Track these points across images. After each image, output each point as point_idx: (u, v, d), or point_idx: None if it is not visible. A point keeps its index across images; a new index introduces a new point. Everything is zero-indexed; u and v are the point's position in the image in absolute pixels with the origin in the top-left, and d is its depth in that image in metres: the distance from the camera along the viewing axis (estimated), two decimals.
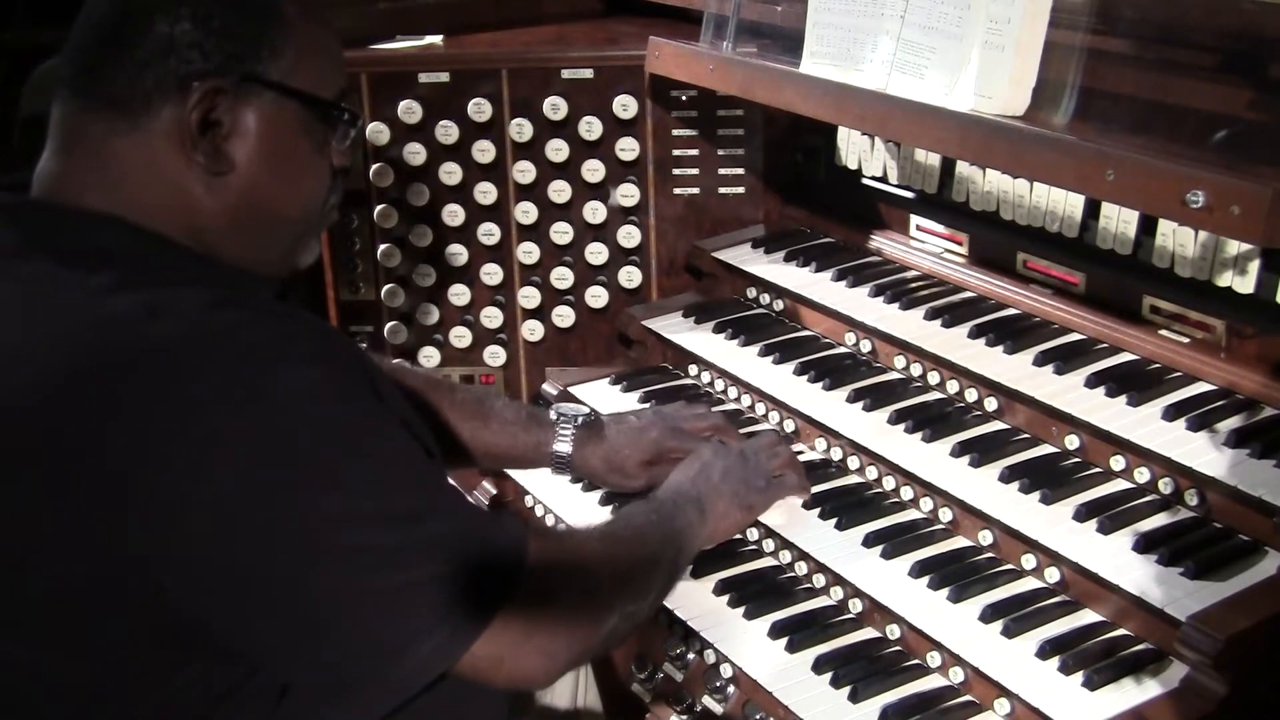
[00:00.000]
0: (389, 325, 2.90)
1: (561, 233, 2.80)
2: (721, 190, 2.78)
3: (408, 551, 1.49)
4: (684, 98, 2.72)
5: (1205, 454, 1.83)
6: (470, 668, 1.53)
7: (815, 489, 2.14)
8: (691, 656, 1.99)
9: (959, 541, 2.00)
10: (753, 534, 2.13)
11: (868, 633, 1.95)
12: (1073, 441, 2.00)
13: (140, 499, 1.42)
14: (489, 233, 2.82)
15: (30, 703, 1.54)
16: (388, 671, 1.50)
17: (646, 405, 2.41)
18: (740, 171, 2.76)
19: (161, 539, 1.43)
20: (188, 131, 1.56)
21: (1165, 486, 1.88)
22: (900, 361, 2.29)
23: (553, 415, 2.22)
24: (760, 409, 2.38)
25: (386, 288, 2.87)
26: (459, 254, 2.84)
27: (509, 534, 1.61)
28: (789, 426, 2.32)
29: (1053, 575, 1.87)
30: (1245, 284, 1.93)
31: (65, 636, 1.49)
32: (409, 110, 2.76)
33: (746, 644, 1.94)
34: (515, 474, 2.39)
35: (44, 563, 1.47)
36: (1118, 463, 1.93)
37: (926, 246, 2.50)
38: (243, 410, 1.42)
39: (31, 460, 1.45)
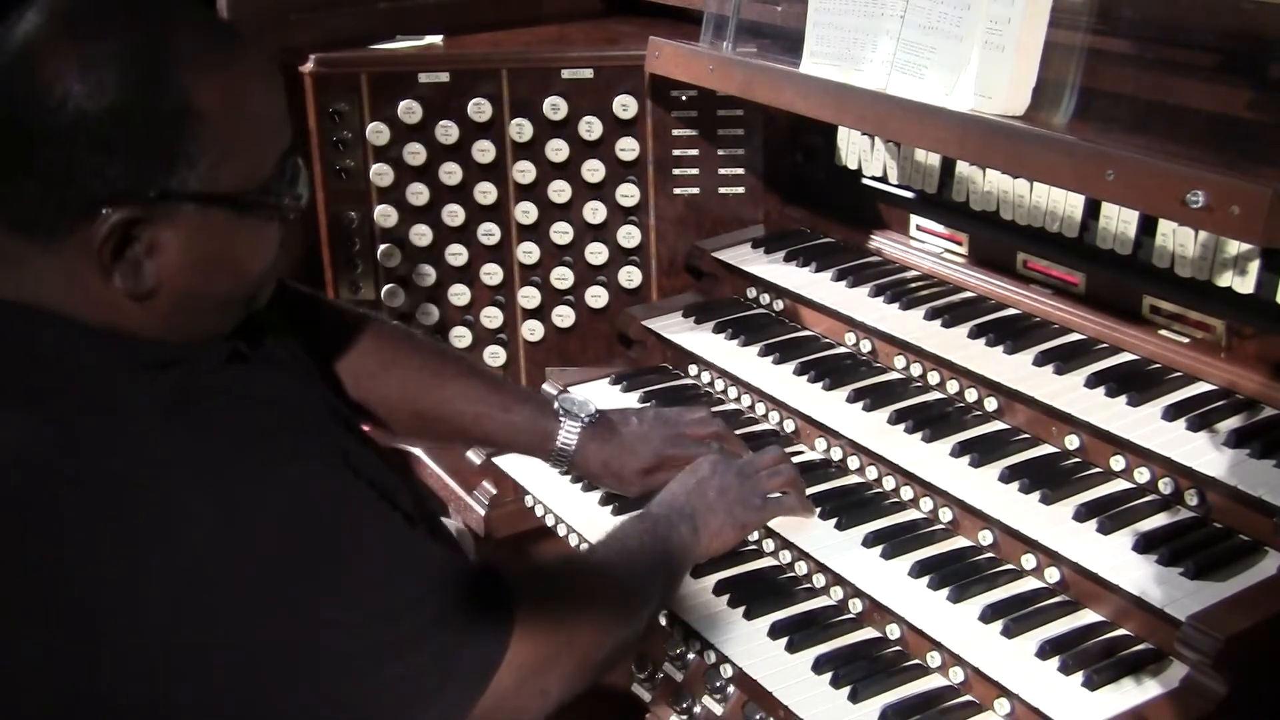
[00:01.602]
0: None
1: (561, 233, 2.80)
2: (721, 190, 2.78)
3: (404, 640, 1.50)
4: (684, 98, 2.72)
5: (1205, 454, 1.83)
6: (470, 714, 1.55)
7: (815, 489, 2.14)
8: (691, 656, 1.99)
9: (959, 541, 2.00)
10: (753, 534, 2.13)
11: (868, 633, 1.94)
12: (1073, 441, 2.00)
13: (125, 628, 1.40)
14: (489, 233, 2.82)
15: None
16: None
17: (647, 405, 2.41)
18: (740, 171, 2.76)
19: (153, 667, 1.41)
20: (102, 259, 1.43)
21: (1165, 486, 1.88)
22: (900, 361, 2.28)
23: (558, 407, 2.18)
24: (760, 409, 2.38)
25: (386, 288, 2.87)
26: (459, 254, 2.84)
27: (499, 590, 1.61)
28: (789, 426, 2.32)
29: (1053, 575, 1.87)
30: (1245, 284, 1.93)
31: None
32: (409, 110, 2.76)
33: (746, 644, 1.93)
34: (515, 474, 2.39)
35: (28, 692, 1.43)
36: (1118, 463, 1.93)
37: (926, 246, 2.50)
38: (220, 531, 1.40)
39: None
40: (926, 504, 2.05)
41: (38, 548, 1.40)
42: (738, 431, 2.30)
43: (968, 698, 1.80)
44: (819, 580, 2.04)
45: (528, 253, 2.83)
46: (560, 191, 2.78)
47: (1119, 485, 1.93)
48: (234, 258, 1.54)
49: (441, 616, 1.53)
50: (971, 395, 2.16)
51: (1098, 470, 1.96)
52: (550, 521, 2.31)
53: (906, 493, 2.09)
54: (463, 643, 1.54)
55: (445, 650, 1.52)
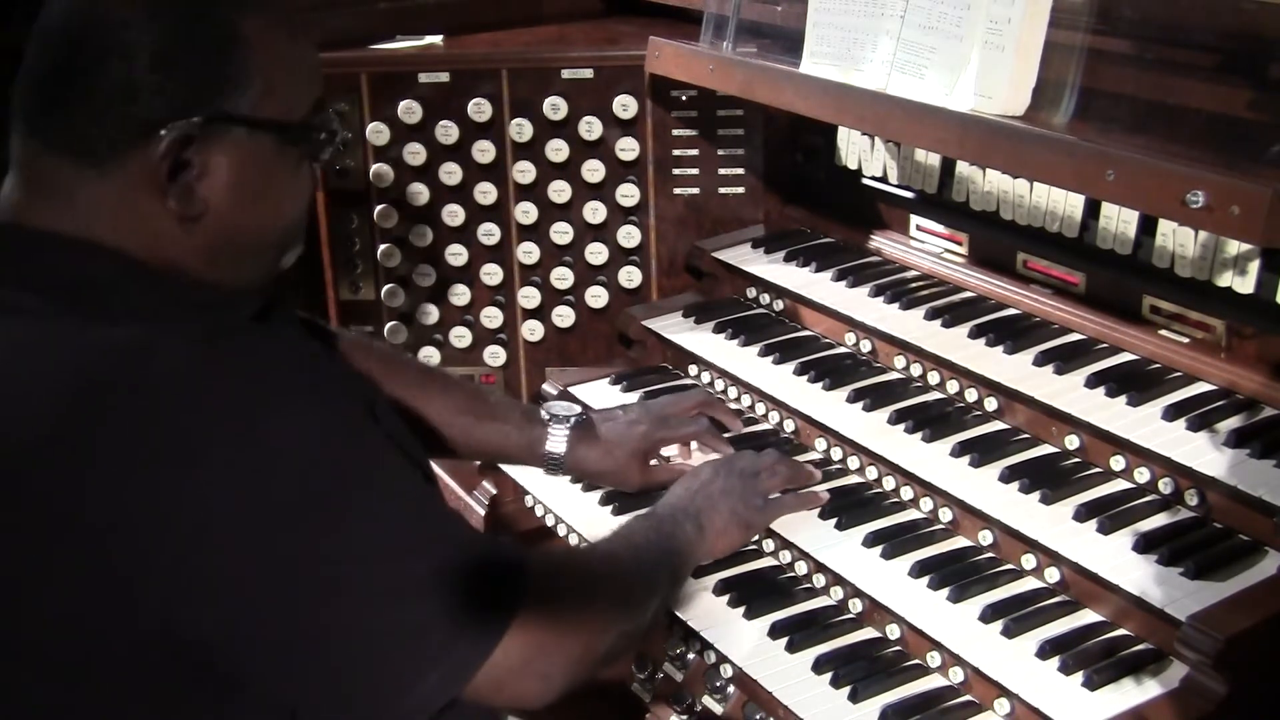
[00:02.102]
0: (389, 325, 2.90)
1: (561, 233, 2.80)
2: (721, 190, 2.78)
3: (412, 584, 1.50)
4: (684, 98, 2.72)
5: (1205, 454, 1.83)
6: (471, 691, 1.54)
7: (815, 489, 2.14)
8: (691, 656, 1.99)
9: (959, 541, 2.00)
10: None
11: (868, 633, 1.94)
12: (1073, 441, 2.00)
13: (144, 540, 1.40)
14: (489, 233, 2.82)
15: None
16: (398, 703, 1.50)
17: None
18: (740, 171, 2.76)
19: (166, 580, 1.41)
20: (158, 179, 1.50)
21: (1165, 486, 1.88)
22: (900, 361, 2.29)
23: (544, 415, 2.22)
24: (760, 409, 2.38)
25: (386, 288, 2.87)
26: (459, 254, 2.84)
27: (510, 561, 1.61)
28: (789, 426, 2.32)
29: (1053, 575, 1.87)
30: (1245, 284, 1.93)
31: (68, 671, 1.47)
32: (409, 110, 2.76)
33: (747, 644, 1.94)
34: (515, 474, 2.39)
35: (40, 601, 1.45)
36: (1118, 463, 1.93)
37: (926, 246, 2.50)
38: (243, 452, 1.41)
39: (22, 504, 1.43)
40: (926, 504, 2.05)
41: (72, 463, 1.41)
42: (737, 433, 2.30)
43: (968, 698, 1.80)
44: (819, 580, 2.04)
45: (528, 253, 2.83)
46: (560, 191, 2.78)
47: (1119, 485, 1.93)
48: (274, 192, 1.60)
49: (447, 573, 1.52)
50: (971, 395, 2.16)
51: (1098, 470, 1.96)
52: (550, 521, 2.31)
53: (906, 493, 2.09)
54: (471, 605, 1.53)
55: (451, 609, 1.51)
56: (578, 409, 2.24)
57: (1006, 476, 1.97)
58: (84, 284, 1.50)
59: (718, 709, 1.93)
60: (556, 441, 2.19)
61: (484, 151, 2.77)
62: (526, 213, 2.80)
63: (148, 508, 1.40)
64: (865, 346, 2.37)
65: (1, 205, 1.56)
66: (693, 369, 2.54)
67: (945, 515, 2.02)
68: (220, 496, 1.41)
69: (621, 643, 1.74)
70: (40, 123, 1.52)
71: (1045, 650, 1.74)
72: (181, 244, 1.54)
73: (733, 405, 2.43)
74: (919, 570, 1.92)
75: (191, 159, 1.51)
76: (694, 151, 2.76)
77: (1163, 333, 2.08)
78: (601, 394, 2.51)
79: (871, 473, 2.16)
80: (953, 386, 2.19)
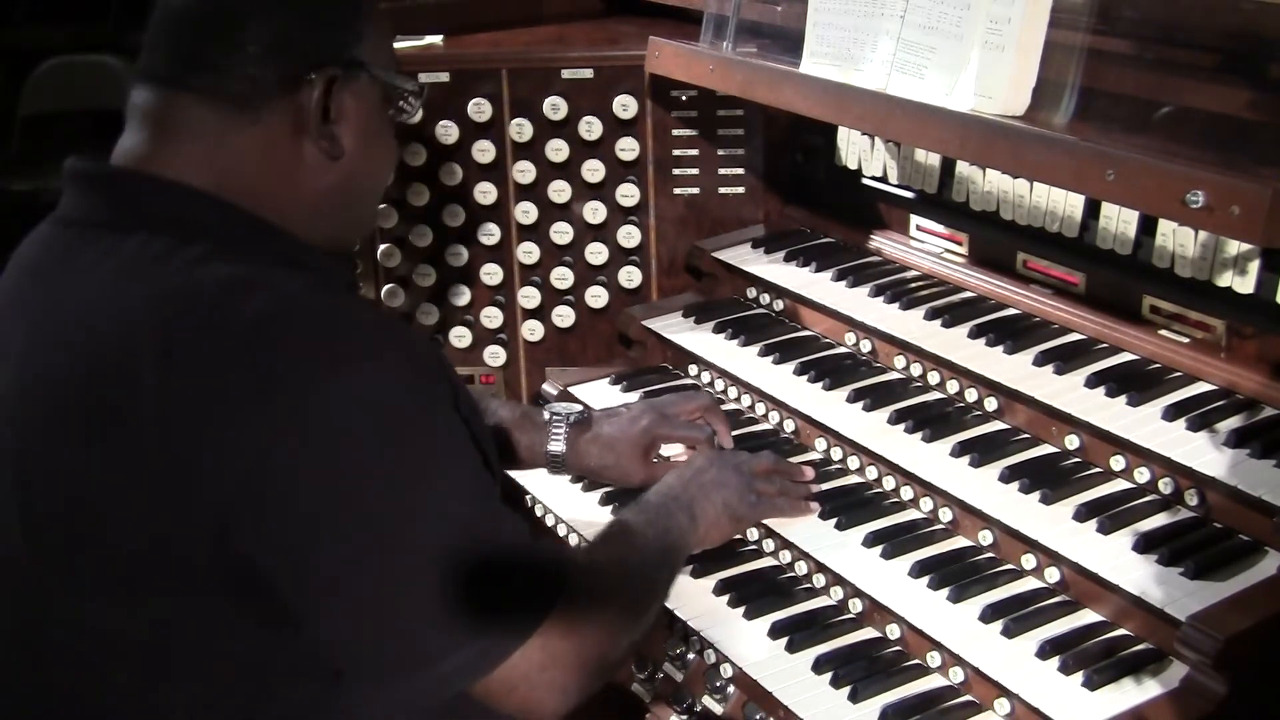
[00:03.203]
0: None
1: (561, 233, 2.80)
2: (721, 190, 2.78)
3: (457, 559, 1.52)
4: (684, 98, 2.72)
5: (1205, 454, 1.83)
6: (484, 690, 1.55)
7: (815, 489, 2.13)
8: (691, 656, 1.99)
9: (959, 541, 2.00)
10: (753, 534, 2.14)
11: (868, 633, 1.95)
12: (1073, 441, 2.00)
13: (218, 460, 1.45)
14: (489, 233, 2.82)
15: (92, 665, 1.58)
16: (419, 672, 1.53)
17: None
18: (740, 171, 2.76)
19: (235, 500, 1.46)
20: (310, 121, 1.63)
21: (1165, 486, 1.88)
22: (900, 361, 2.29)
23: (545, 415, 2.22)
24: (760, 409, 2.38)
25: (386, 288, 2.87)
26: (459, 254, 2.84)
27: (552, 565, 1.64)
28: (789, 426, 2.32)
29: (1053, 575, 1.87)
30: (1245, 284, 1.93)
31: (131, 596, 1.53)
32: None
33: (746, 644, 1.94)
34: (515, 473, 2.39)
35: (118, 520, 1.51)
36: (1118, 463, 1.93)
37: (926, 246, 2.50)
38: (327, 383, 1.47)
39: (117, 419, 1.49)
40: (926, 504, 2.05)
41: (164, 384, 1.48)
42: (737, 432, 2.30)
43: (968, 698, 1.80)
44: (819, 580, 2.04)
45: (528, 253, 2.83)
46: (560, 191, 2.78)
47: (1119, 485, 1.93)
48: (383, 143, 1.75)
49: (496, 563, 1.55)
50: (971, 395, 2.16)
51: (1098, 470, 1.96)
52: (550, 521, 2.31)
53: (906, 493, 2.09)
54: (507, 598, 1.56)
55: (488, 591, 1.54)
56: (578, 407, 2.25)
57: (1006, 476, 1.97)
58: (201, 229, 1.57)
59: (718, 709, 1.93)
60: (557, 440, 2.19)
61: (484, 151, 2.77)
62: (526, 213, 2.80)
63: (227, 432, 1.45)
64: (865, 346, 2.37)
65: (125, 155, 1.65)
66: (693, 369, 2.54)
67: (945, 515, 2.02)
68: (300, 422, 1.46)
69: (631, 648, 1.75)
70: (190, 78, 1.62)
71: (1045, 650, 1.74)
72: (309, 189, 1.66)
73: (732, 405, 2.43)
74: (919, 570, 1.92)
75: (332, 103, 1.65)
76: (694, 151, 2.75)
77: (1163, 333, 2.07)
78: (601, 394, 2.51)
79: (871, 473, 2.16)
80: (953, 386, 2.19)
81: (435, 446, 1.56)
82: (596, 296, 2.82)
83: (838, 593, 2.00)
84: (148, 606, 1.53)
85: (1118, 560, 1.78)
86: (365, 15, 1.69)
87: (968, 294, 2.35)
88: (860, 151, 2.58)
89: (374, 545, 1.50)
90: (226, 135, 1.62)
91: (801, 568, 2.06)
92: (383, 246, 2.85)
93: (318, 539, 1.49)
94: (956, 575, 1.90)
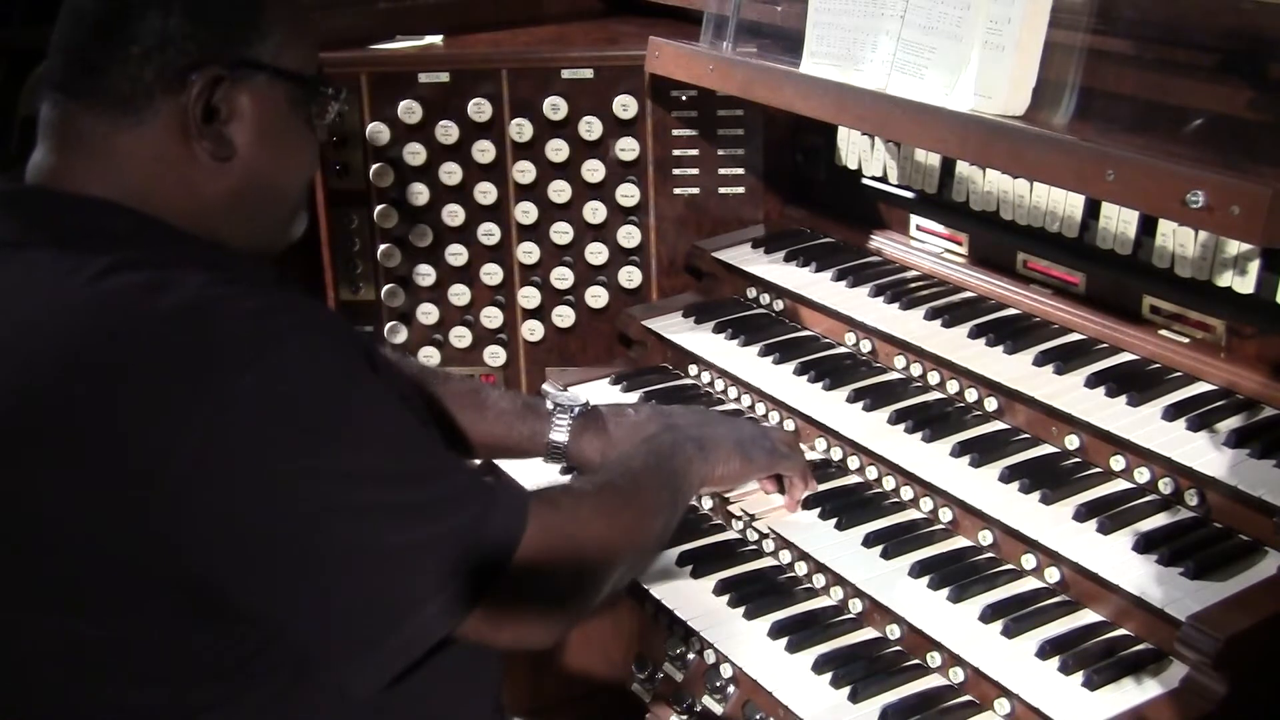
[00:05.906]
0: (389, 325, 2.90)
1: (561, 233, 2.80)
2: (721, 190, 2.78)
3: (413, 511, 1.52)
4: (684, 98, 2.72)
5: (1205, 454, 1.83)
6: (473, 630, 1.54)
7: (815, 489, 2.14)
8: (691, 656, 1.99)
9: (959, 541, 2.00)
10: (753, 534, 2.14)
11: (868, 633, 1.95)
12: (1073, 441, 2.00)
13: (150, 463, 1.44)
14: (489, 233, 2.82)
15: (47, 669, 1.57)
16: (392, 633, 1.51)
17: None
18: (740, 171, 2.77)
19: (173, 501, 1.45)
20: (192, 121, 1.59)
21: (1165, 486, 1.88)
22: (900, 361, 2.29)
23: (549, 405, 2.20)
24: (760, 409, 2.38)
25: (386, 288, 2.87)
26: (459, 254, 2.84)
27: (511, 499, 1.62)
28: (789, 426, 2.32)
29: (1053, 575, 1.87)
30: (1245, 284, 1.93)
31: (83, 605, 1.52)
32: (409, 110, 2.76)
33: (746, 644, 1.94)
34: (515, 473, 2.38)
35: (58, 536, 1.49)
36: (1118, 463, 1.93)
37: (926, 246, 2.50)
38: (250, 370, 1.45)
39: (37, 438, 1.48)
40: (926, 504, 2.05)
41: (85, 390, 1.47)
42: None
43: (968, 697, 1.80)
44: (819, 580, 2.04)
45: (528, 253, 2.83)
46: (560, 191, 2.78)
47: (1119, 485, 1.93)
48: (290, 144, 1.71)
49: (448, 504, 1.55)
50: (971, 395, 2.16)
51: (1098, 470, 1.96)
52: None
53: (906, 493, 2.09)
54: (470, 540, 1.55)
55: (450, 541, 1.53)
56: (582, 399, 2.22)
57: (1006, 476, 1.97)
58: (106, 239, 1.56)
59: (718, 709, 1.93)
60: (559, 430, 2.17)
61: (484, 151, 2.77)
62: (526, 213, 2.80)
63: (152, 432, 1.44)
64: (865, 346, 2.37)
65: (33, 170, 1.64)
66: (693, 369, 2.54)
67: (945, 515, 2.02)
68: (228, 412, 1.44)
69: (628, 573, 1.74)
70: (78, 84, 1.60)
71: (1045, 650, 1.74)
72: (208, 191, 1.63)
73: (733, 405, 2.43)
74: (919, 570, 1.92)
75: (220, 105, 1.61)
76: (694, 151, 2.76)
77: (1163, 333, 2.08)
78: (601, 394, 2.51)
79: (871, 473, 2.16)
80: (953, 386, 2.19)
81: (373, 409, 1.55)
82: (596, 296, 2.82)
83: (838, 593, 2.00)
84: (105, 616, 1.52)
85: (1118, 560, 1.78)
86: (269, 14, 1.64)
87: (968, 294, 2.35)
88: (860, 151, 2.58)
89: (327, 519, 1.48)
90: (116, 140, 1.60)
91: (801, 568, 2.06)
92: (383, 246, 2.85)
93: (264, 530, 1.47)
94: (956, 575, 1.90)
